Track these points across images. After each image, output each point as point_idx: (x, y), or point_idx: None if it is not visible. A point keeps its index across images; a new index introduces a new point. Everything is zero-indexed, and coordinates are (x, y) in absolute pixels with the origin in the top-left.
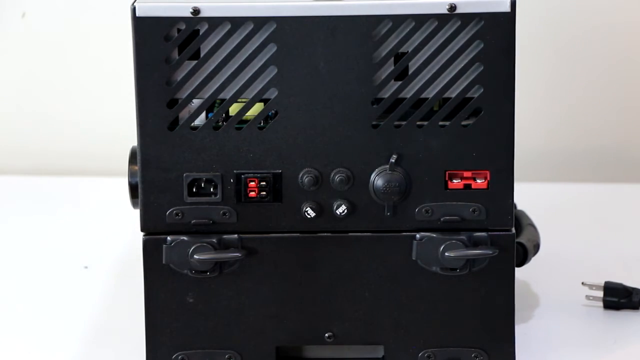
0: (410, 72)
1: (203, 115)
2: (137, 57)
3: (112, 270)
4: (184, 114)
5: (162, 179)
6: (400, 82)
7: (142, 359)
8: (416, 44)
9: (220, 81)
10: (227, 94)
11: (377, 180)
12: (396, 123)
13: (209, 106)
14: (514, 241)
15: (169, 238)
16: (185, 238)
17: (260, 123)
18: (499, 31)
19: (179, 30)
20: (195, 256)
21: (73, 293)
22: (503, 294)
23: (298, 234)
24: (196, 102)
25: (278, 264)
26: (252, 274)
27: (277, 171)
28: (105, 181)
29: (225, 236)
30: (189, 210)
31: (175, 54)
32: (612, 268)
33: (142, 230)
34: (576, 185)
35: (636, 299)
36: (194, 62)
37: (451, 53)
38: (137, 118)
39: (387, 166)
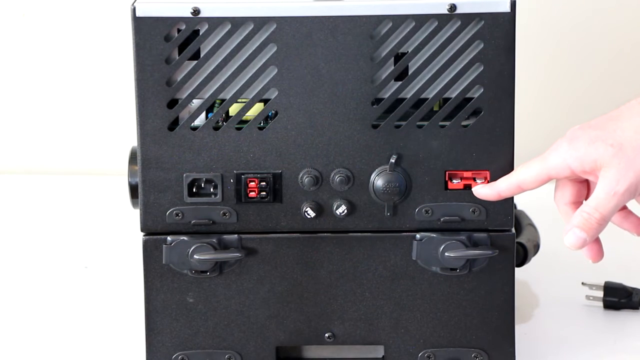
0: (410, 72)
1: (203, 115)
2: (137, 57)
3: (112, 270)
4: (184, 114)
5: (162, 179)
6: (400, 82)
7: (142, 359)
8: (416, 44)
9: (220, 81)
10: (227, 94)
11: (377, 180)
12: (396, 123)
13: (209, 106)
14: (514, 241)
15: (169, 238)
16: (185, 238)
17: (260, 123)
18: (499, 31)
19: (179, 31)
20: (195, 256)
21: (73, 293)
22: (503, 294)
23: (298, 234)
24: (196, 102)
25: (278, 264)
26: (252, 274)
27: (277, 171)
28: (105, 181)
29: (225, 236)
30: (189, 210)
31: (175, 54)
32: (612, 268)
33: (142, 230)
34: None
35: (636, 299)
36: (194, 62)
37: (451, 53)
38: (137, 118)
39: (387, 166)
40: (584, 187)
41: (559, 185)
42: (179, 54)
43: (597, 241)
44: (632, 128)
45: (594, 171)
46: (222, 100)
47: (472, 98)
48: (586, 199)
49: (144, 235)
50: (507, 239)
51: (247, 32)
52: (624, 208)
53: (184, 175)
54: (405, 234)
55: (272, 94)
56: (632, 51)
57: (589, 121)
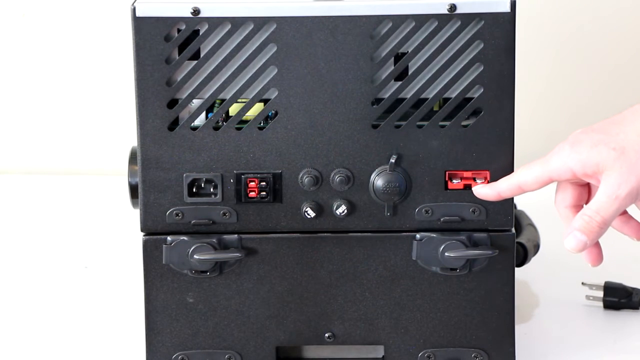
0: (410, 72)
1: (203, 115)
2: (137, 57)
3: (112, 270)
4: (184, 114)
5: (162, 179)
6: (400, 82)
7: (142, 359)
8: (416, 44)
9: (220, 81)
10: (227, 94)
11: (377, 180)
12: (396, 123)
13: (209, 106)
14: (514, 241)
15: (169, 238)
16: (185, 238)
17: (260, 123)
18: (499, 31)
19: (179, 30)
20: (195, 256)
21: (73, 293)
22: (503, 294)
23: (298, 234)
24: (196, 102)
25: (278, 264)
26: (252, 274)
27: (277, 171)
28: (105, 181)
29: (225, 236)
30: (189, 210)
31: (175, 54)
32: (612, 268)
33: (142, 230)
34: None
35: (636, 299)
36: (194, 62)
37: (451, 53)
38: (137, 118)
39: (387, 166)
40: (585, 190)
41: (559, 188)
42: (179, 54)
43: (597, 245)
44: (635, 132)
45: (596, 175)
46: (222, 100)
47: (472, 98)
48: (587, 202)
49: (144, 235)
50: (507, 239)
51: (247, 32)
52: (624, 213)
53: (184, 175)
54: (405, 234)
55: (272, 94)
56: (633, 52)
57: (591, 125)
